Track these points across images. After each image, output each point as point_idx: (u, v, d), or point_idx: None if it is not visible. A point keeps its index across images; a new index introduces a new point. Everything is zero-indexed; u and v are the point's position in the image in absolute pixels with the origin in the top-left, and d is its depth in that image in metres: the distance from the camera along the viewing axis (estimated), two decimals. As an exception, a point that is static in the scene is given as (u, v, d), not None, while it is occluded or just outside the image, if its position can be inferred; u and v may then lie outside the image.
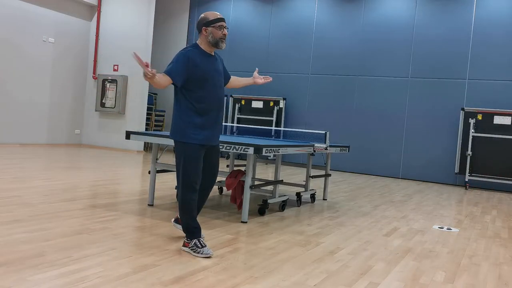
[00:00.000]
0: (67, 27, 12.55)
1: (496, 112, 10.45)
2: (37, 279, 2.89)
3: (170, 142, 5.14)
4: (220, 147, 4.77)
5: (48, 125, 12.29)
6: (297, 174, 10.34)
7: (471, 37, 11.08)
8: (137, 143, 12.78)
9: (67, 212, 4.79)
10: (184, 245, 3.80)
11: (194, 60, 3.68)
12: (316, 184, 8.55)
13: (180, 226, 4.09)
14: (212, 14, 3.79)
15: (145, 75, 3.41)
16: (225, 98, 13.25)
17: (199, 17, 3.84)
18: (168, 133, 5.92)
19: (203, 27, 3.77)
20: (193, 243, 3.71)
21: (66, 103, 12.74)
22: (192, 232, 3.76)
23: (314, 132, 7.01)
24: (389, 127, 11.89)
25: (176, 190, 6.03)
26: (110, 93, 12.78)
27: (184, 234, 3.96)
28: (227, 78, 4.16)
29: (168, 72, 3.64)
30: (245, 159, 5.28)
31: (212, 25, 3.74)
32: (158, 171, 5.61)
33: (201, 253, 3.65)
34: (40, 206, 5.00)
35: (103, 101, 12.84)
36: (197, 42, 3.84)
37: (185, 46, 3.81)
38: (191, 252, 3.70)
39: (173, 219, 4.29)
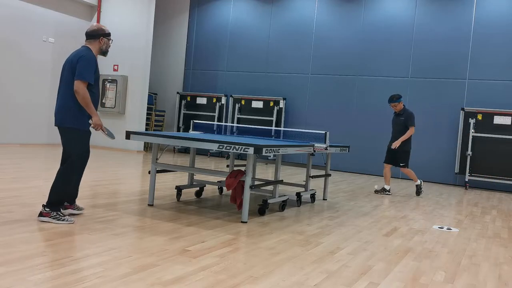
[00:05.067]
0: (67, 27, 12.55)
1: (496, 112, 10.45)
2: (37, 279, 2.89)
3: (170, 142, 5.14)
4: (220, 147, 4.79)
5: (48, 125, 12.27)
6: (297, 174, 10.33)
7: (471, 37, 11.08)
8: (137, 143, 12.78)
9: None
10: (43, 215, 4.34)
11: (96, 62, 4.53)
12: (316, 184, 8.54)
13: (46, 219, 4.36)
14: (106, 28, 4.70)
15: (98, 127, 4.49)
16: (225, 98, 13.42)
17: (96, 27, 4.63)
18: (168, 133, 5.91)
19: (101, 37, 4.60)
20: (55, 213, 4.35)
21: (66, 103, 12.72)
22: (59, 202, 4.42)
23: (314, 132, 7.00)
24: (389, 127, 11.86)
25: (175, 190, 6.03)
26: (110, 93, 12.78)
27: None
28: None
29: (87, 79, 4.36)
30: (245, 159, 5.27)
31: (107, 37, 4.65)
32: (158, 171, 5.61)
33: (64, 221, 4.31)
34: (40, 206, 4.99)
35: (103, 101, 12.83)
36: (88, 46, 4.56)
37: (81, 48, 4.57)
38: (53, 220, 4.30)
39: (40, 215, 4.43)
